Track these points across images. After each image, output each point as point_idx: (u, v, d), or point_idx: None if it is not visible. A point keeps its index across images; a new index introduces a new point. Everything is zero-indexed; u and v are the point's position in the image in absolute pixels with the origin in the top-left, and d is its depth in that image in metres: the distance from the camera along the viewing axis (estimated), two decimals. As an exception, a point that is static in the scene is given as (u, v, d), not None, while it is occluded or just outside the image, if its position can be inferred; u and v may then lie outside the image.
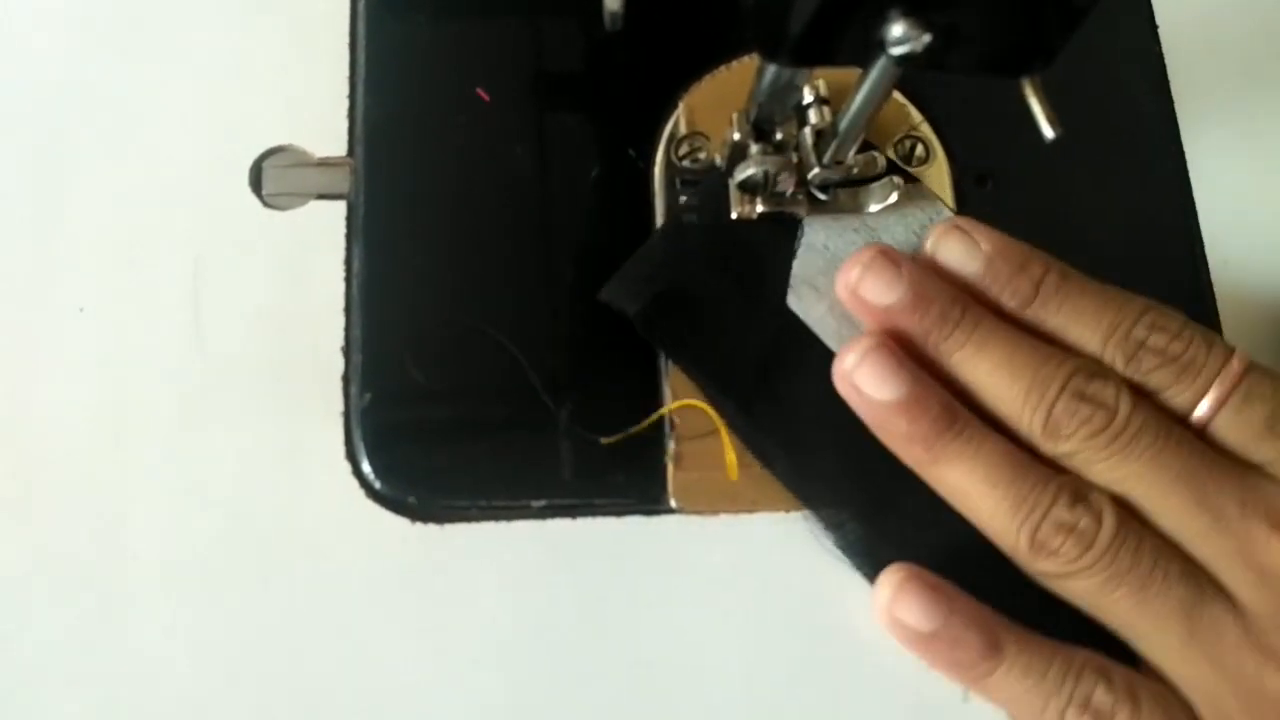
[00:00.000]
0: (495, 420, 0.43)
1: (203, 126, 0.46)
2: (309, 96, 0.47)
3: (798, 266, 0.43)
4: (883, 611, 0.38)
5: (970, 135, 0.48)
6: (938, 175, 0.48)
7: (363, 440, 0.43)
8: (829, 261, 0.43)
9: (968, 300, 0.39)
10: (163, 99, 0.47)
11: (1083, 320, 0.38)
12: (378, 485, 0.42)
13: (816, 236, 0.44)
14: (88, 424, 0.42)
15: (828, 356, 0.41)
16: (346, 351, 0.44)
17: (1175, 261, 0.48)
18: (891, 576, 0.38)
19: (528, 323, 0.44)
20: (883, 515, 0.41)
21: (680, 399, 0.43)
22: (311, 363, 0.43)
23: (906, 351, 0.39)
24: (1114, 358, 0.38)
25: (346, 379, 0.43)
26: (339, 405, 0.43)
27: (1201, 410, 0.37)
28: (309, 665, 0.40)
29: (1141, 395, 0.37)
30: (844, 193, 0.45)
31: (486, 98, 0.47)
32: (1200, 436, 0.37)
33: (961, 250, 0.40)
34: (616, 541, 0.42)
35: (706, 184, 0.45)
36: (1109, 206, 0.49)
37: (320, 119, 0.46)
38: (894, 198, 0.45)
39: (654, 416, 0.43)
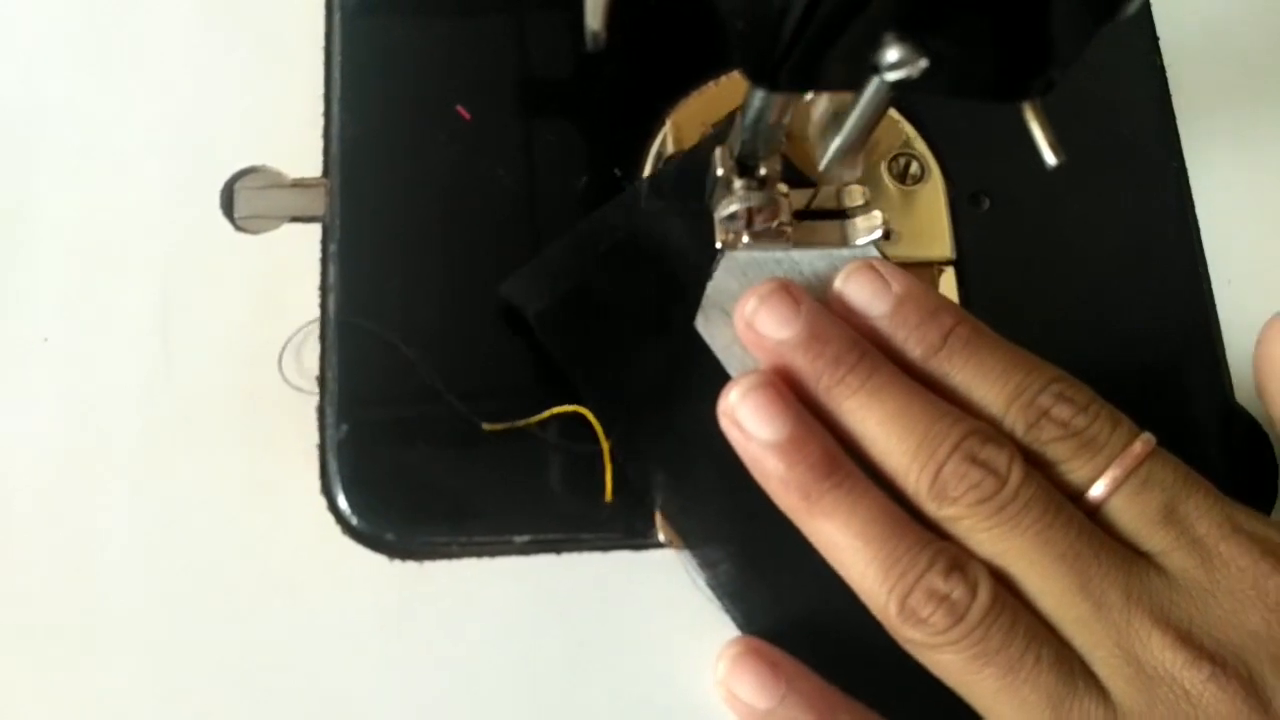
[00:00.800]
0: (478, 453, 0.42)
1: (172, 147, 0.45)
2: (282, 115, 0.45)
3: (711, 289, 0.42)
4: (720, 685, 0.37)
5: (966, 153, 0.47)
6: (933, 194, 0.47)
7: (339, 474, 0.41)
8: (744, 288, 0.41)
9: (867, 347, 0.37)
10: (130, 118, 0.45)
11: (987, 380, 0.36)
12: (354, 521, 0.41)
13: (736, 261, 0.42)
14: (52, 457, 0.41)
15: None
16: (321, 381, 0.42)
17: (1176, 281, 0.47)
18: (730, 650, 0.38)
19: (509, 350, 0.42)
20: (758, 561, 0.40)
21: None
22: (285, 392, 0.42)
23: (798, 395, 0.37)
24: (1015, 423, 0.35)
25: (321, 410, 0.42)
26: (314, 438, 0.42)
27: (1097, 490, 0.35)
28: (282, 708, 0.39)
29: (1037, 467, 0.35)
30: (826, 225, 0.44)
31: (467, 116, 0.46)
32: (1092, 517, 0.35)
33: (870, 290, 0.38)
34: (603, 577, 0.41)
35: (633, 186, 0.44)
36: (1109, 225, 0.47)
37: (294, 139, 0.45)
38: (879, 232, 0.43)
39: (543, 415, 0.41)
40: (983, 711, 0.34)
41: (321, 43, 0.46)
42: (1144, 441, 0.35)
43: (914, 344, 0.37)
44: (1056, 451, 0.35)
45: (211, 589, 0.40)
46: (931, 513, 0.35)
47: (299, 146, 0.45)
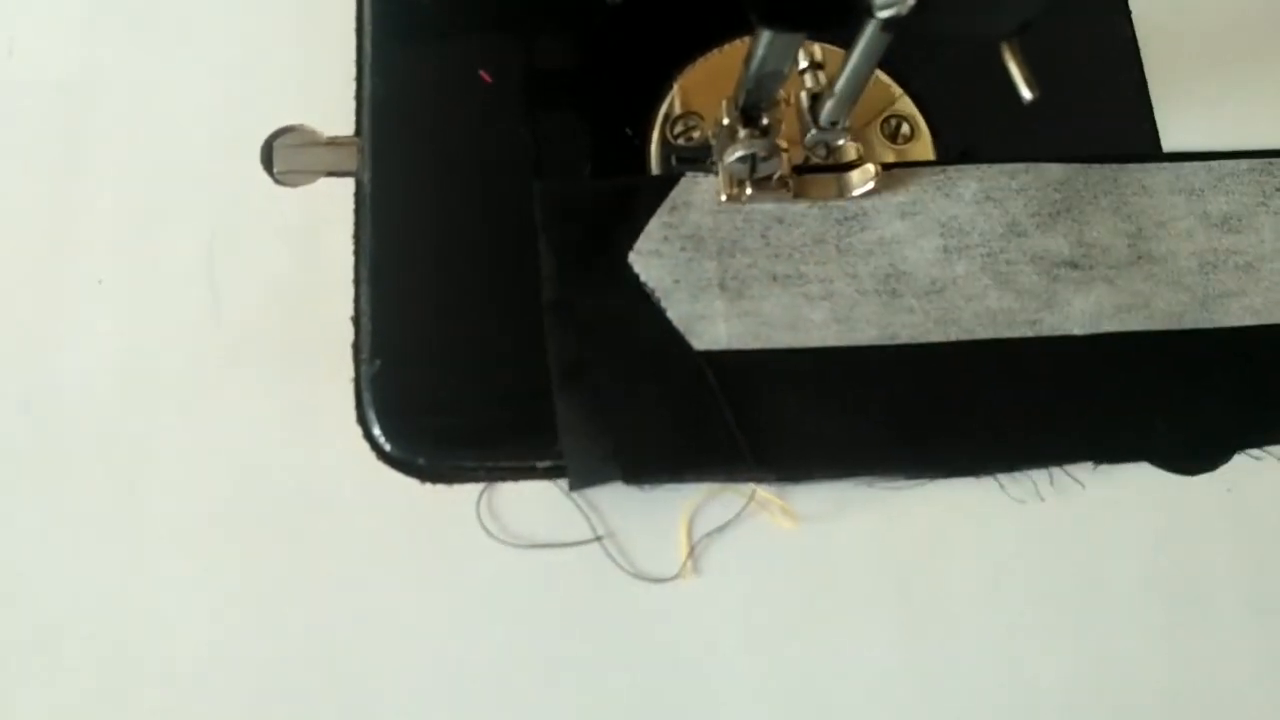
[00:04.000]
0: (501, 383, 0.45)
1: (215, 106, 0.48)
2: (318, 78, 0.49)
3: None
4: None
5: (953, 113, 0.50)
6: (922, 152, 0.50)
7: (372, 405, 0.44)
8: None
9: None
10: (176, 80, 0.48)
11: None
12: (387, 447, 0.44)
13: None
14: (107, 391, 0.44)
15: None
16: (356, 320, 0.45)
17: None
18: None
19: (532, 292, 0.45)
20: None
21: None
22: (323, 332, 0.45)
23: None
24: None
25: (356, 346, 0.45)
26: (350, 372, 0.45)
27: None
28: (321, 620, 0.42)
29: None
30: (823, 179, 0.47)
31: (489, 79, 0.49)
32: None
33: None
34: (625, 499, 0.44)
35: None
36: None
37: (329, 99, 0.48)
38: (871, 184, 0.46)
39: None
40: None
41: (354, 9, 0.50)
42: None
43: None
44: None
45: (255, 510, 0.43)
46: None
47: (333, 107, 0.48)
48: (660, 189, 0.47)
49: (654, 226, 0.46)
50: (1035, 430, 0.46)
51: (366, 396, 0.44)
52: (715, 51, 0.50)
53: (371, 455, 0.44)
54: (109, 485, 0.43)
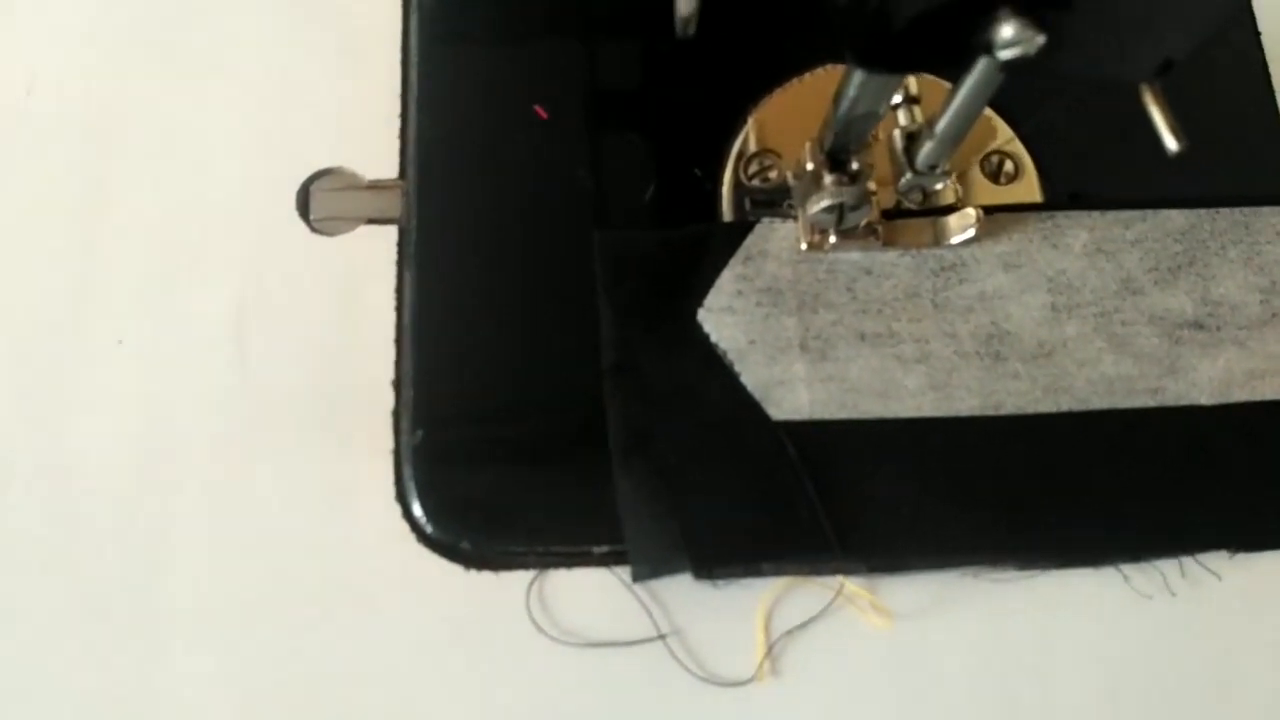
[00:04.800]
0: (557, 459, 0.40)
1: (248, 148, 0.44)
2: (359, 116, 0.45)
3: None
4: None
5: (1062, 149, 0.45)
6: (1028, 193, 0.45)
7: (414, 480, 0.40)
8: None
9: None
10: (206, 119, 0.45)
11: None
12: (429, 529, 0.40)
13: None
14: (127, 462, 0.40)
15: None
16: (398, 385, 0.41)
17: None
18: None
19: (593, 355, 0.41)
20: None
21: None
22: (361, 397, 0.41)
23: None
24: None
25: (397, 414, 0.41)
26: (389, 443, 0.41)
27: None
28: (355, 718, 0.38)
29: None
30: (917, 224, 0.42)
31: (544, 115, 0.44)
32: None
33: None
34: (694, 591, 0.39)
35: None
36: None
37: (371, 139, 0.44)
38: (971, 231, 0.41)
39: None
40: None
41: (399, 43, 0.46)
42: None
43: None
44: None
45: (284, 596, 0.39)
46: None
47: (375, 147, 0.44)
48: (733, 237, 0.42)
49: (726, 279, 0.42)
50: (1162, 513, 0.41)
51: (407, 471, 0.40)
52: (794, 81, 0.45)
53: (412, 537, 0.40)
54: (126, 569, 0.39)
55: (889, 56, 0.29)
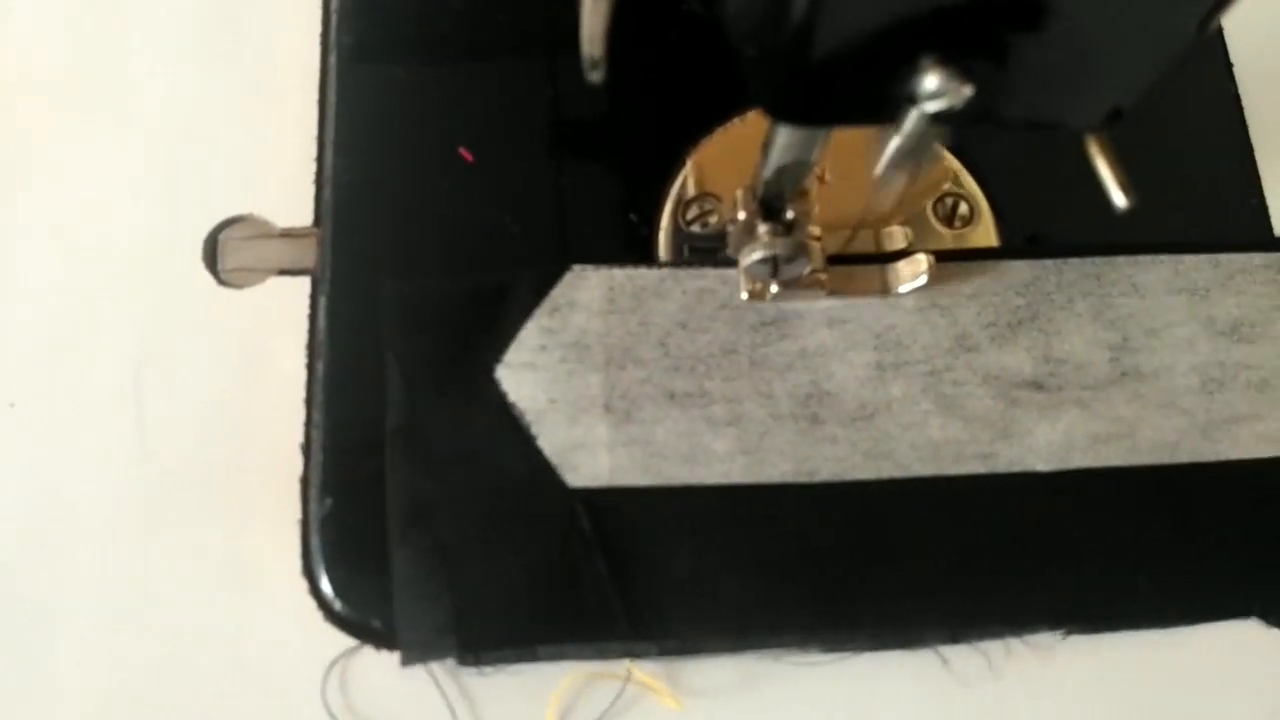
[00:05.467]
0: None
1: (151, 193, 0.42)
2: (271, 160, 0.42)
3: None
4: None
5: (1021, 190, 0.43)
6: (984, 237, 0.42)
7: (321, 552, 0.37)
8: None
9: None
10: (105, 162, 0.42)
11: None
12: (337, 606, 0.37)
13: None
14: (14, 534, 0.38)
15: None
16: (306, 449, 0.39)
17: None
18: None
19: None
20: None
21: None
22: (267, 462, 0.38)
23: None
24: None
25: (305, 481, 0.38)
26: (296, 512, 0.38)
27: None
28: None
29: None
30: (864, 271, 0.40)
31: (470, 158, 0.42)
32: None
33: None
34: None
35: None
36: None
37: (284, 184, 0.42)
38: (924, 279, 0.39)
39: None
40: None
41: (316, 83, 0.43)
42: None
43: None
44: None
45: (180, 678, 0.36)
46: None
47: (289, 193, 0.42)
48: (540, 286, 0.39)
49: (529, 332, 0.38)
50: (988, 590, 0.37)
51: (315, 542, 0.37)
52: (735, 121, 0.43)
53: (319, 615, 0.37)
54: (11, 653, 0.36)
55: (805, 109, 0.26)
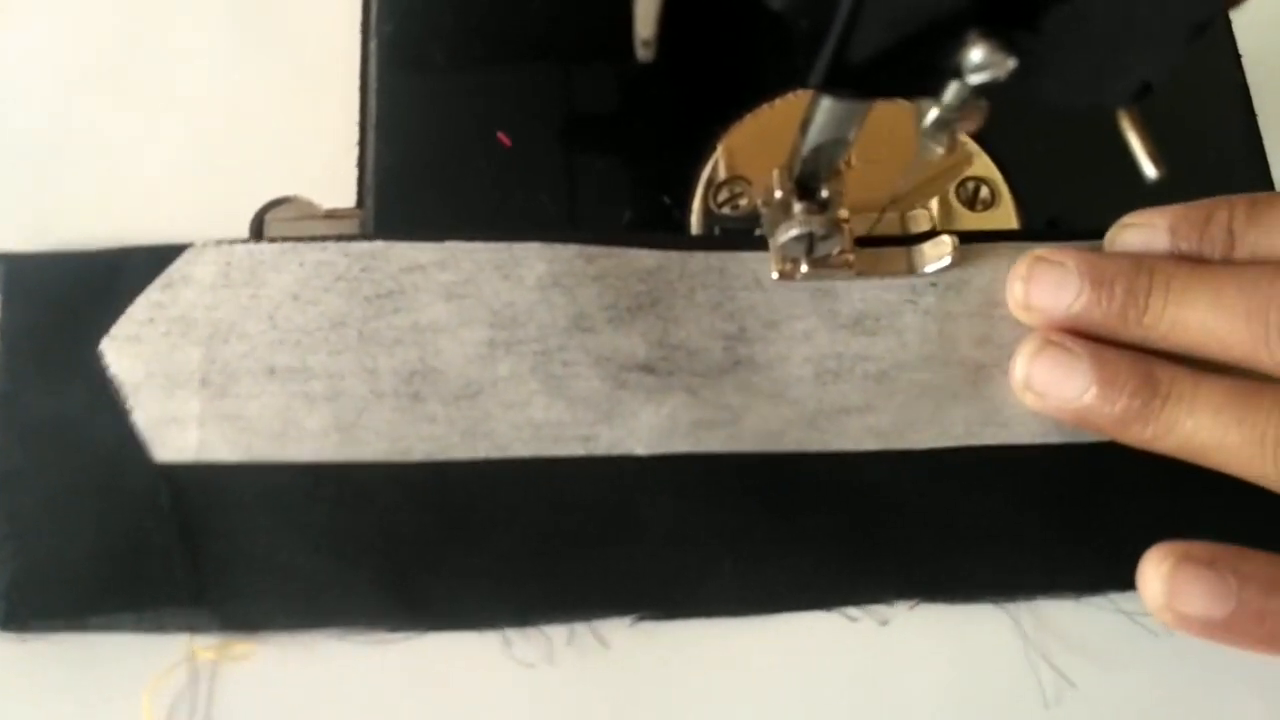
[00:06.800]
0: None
1: (199, 176, 0.43)
2: (316, 143, 0.43)
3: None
4: (1162, 611, 0.34)
5: (1040, 175, 0.44)
6: (1004, 220, 0.43)
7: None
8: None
9: (1142, 260, 0.37)
10: (155, 146, 0.43)
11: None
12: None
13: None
14: None
15: None
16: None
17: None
18: (1155, 570, 0.34)
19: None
20: None
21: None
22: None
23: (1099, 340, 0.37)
24: None
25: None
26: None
27: None
28: None
29: None
30: (891, 253, 0.41)
31: (508, 142, 0.43)
32: None
33: (1142, 237, 0.38)
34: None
35: None
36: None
37: (328, 167, 0.43)
38: (948, 259, 0.40)
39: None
40: None
41: (357, 66, 0.44)
42: None
43: (1207, 255, 0.37)
44: None
45: None
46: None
47: (333, 175, 0.43)
48: (155, 263, 0.38)
49: (139, 306, 0.38)
50: (564, 576, 0.37)
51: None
52: (765, 106, 0.44)
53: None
54: None
55: (853, 81, 0.28)
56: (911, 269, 0.41)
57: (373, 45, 0.45)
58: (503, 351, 0.38)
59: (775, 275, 0.40)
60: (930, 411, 0.39)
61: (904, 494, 0.38)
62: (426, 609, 0.36)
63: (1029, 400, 0.38)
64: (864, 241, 0.41)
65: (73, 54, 0.44)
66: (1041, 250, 0.38)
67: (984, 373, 0.40)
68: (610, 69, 0.45)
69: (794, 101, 0.44)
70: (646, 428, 0.38)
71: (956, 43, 0.26)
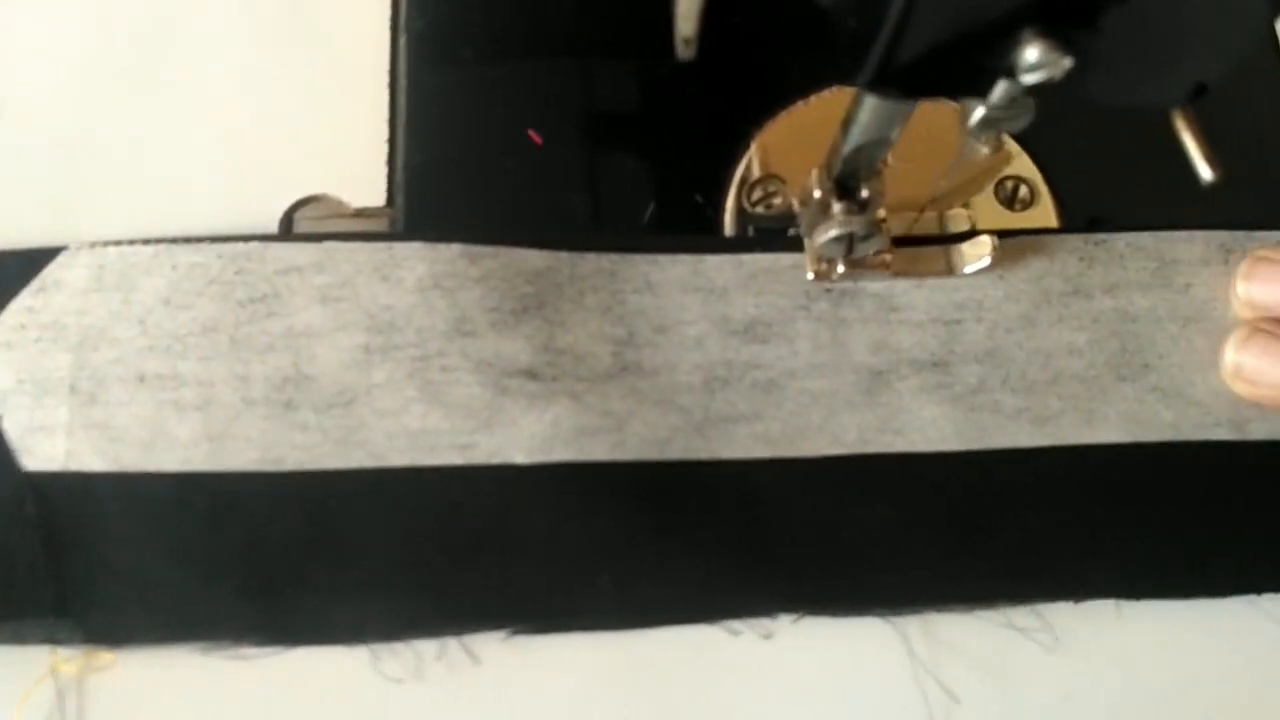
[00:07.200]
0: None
1: (228, 174, 0.42)
2: (345, 141, 0.43)
3: None
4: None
5: (1081, 174, 0.43)
6: (1044, 219, 0.43)
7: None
8: None
9: None
10: (183, 145, 0.43)
11: None
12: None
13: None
14: None
15: None
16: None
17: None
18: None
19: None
20: None
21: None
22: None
23: None
24: None
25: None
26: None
27: None
28: None
29: None
30: (930, 253, 0.40)
31: (539, 140, 0.43)
32: None
33: None
34: None
35: None
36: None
37: (357, 165, 0.42)
38: (987, 260, 0.39)
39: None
40: None
41: (387, 66, 0.44)
42: None
43: None
44: None
45: None
46: None
47: (362, 174, 0.42)
48: (28, 267, 0.38)
49: (10, 313, 0.37)
50: (436, 589, 0.36)
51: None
52: (799, 105, 0.43)
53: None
54: None
55: (903, 81, 0.27)
56: (950, 269, 0.40)
57: (402, 43, 0.44)
58: (379, 357, 0.37)
59: (811, 275, 0.39)
60: (822, 419, 0.38)
61: (793, 503, 0.38)
62: (293, 623, 0.36)
63: (1239, 388, 0.39)
64: (901, 241, 0.40)
65: (104, 53, 0.44)
66: (1262, 250, 0.39)
67: (880, 379, 0.39)
68: (641, 66, 0.44)
69: (829, 99, 0.43)
70: (528, 436, 0.37)
71: (1011, 42, 0.25)
